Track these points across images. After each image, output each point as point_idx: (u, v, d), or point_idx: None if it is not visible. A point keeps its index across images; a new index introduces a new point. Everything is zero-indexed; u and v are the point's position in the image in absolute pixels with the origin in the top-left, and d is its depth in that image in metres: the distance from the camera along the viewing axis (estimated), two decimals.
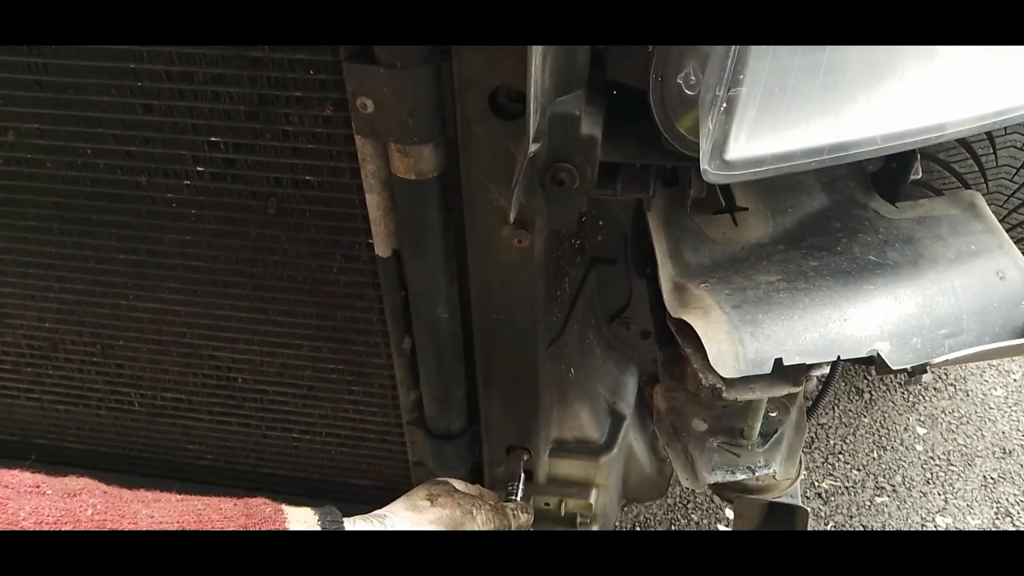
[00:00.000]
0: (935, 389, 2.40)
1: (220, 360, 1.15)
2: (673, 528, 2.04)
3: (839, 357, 0.85)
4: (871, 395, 2.39)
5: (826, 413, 2.32)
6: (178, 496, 0.79)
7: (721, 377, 0.85)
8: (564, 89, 0.74)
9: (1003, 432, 2.27)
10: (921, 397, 2.38)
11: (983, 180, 1.38)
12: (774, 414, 1.08)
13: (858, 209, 1.02)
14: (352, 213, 0.92)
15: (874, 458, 2.21)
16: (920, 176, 1.00)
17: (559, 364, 1.18)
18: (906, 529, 2.04)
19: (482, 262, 0.89)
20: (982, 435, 2.27)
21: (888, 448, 2.24)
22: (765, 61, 0.69)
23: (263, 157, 0.89)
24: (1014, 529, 2.04)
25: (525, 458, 1.15)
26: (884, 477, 2.16)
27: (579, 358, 1.21)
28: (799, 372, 0.87)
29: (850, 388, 2.40)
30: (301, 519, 0.83)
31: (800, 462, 1.12)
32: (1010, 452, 2.22)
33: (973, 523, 2.05)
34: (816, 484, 2.14)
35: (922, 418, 2.32)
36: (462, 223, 0.86)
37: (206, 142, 0.89)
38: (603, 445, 1.26)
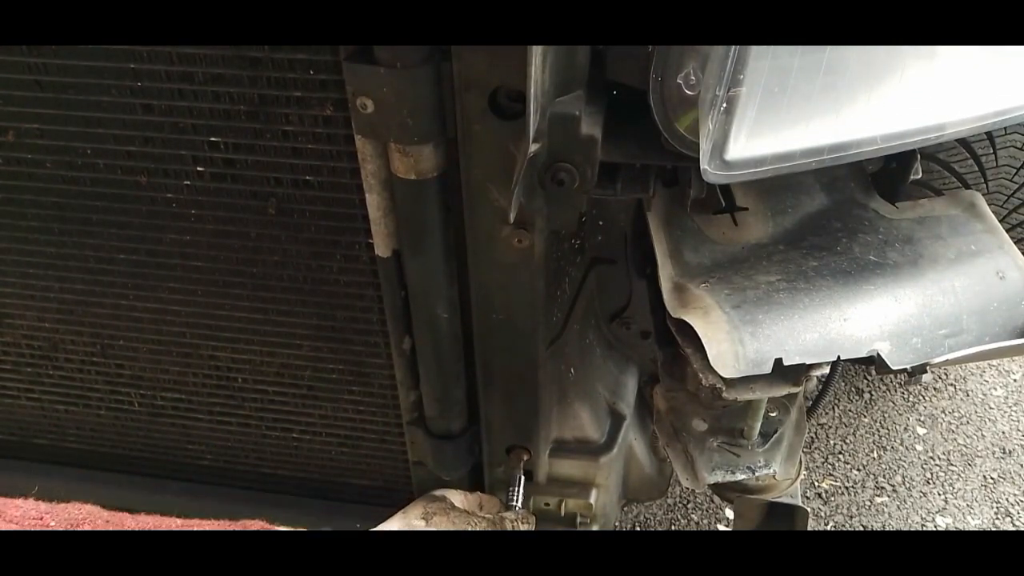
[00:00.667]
0: (935, 389, 2.40)
1: (220, 360, 1.15)
2: (673, 528, 2.04)
3: (839, 357, 0.85)
4: (871, 395, 2.38)
5: (826, 413, 2.32)
6: (179, 521, 0.79)
7: (721, 377, 0.85)
8: (564, 89, 0.74)
9: (1003, 432, 2.27)
10: (921, 397, 2.38)
11: (983, 180, 1.38)
12: (774, 414, 1.08)
13: (858, 209, 1.02)
14: (352, 213, 0.92)
15: (874, 458, 2.21)
16: (920, 176, 1.00)
17: (559, 364, 1.18)
18: (906, 529, 2.04)
19: (482, 262, 0.89)
20: (982, 435, 2.27)
21: (888, 448, 2.23)
22: (765, 61, 0.69)
23: (263, 157, 0.89)
24: (1014, 529, 2.04)
25: (525, 458, 1.14)
26: (884, 477, 2.16)
27: (579, 358, 1.21)
28: (799, 372, 0.88)
29: (850, 388, 2.40)
30: None
31: (800, 462, 1.12)
32: (1010, 452, 2.22)
33: (973, 523, 2.05)
34: (816, 484, 2.14)
35: (922, 418, 2.32)
36: (462, 223, 0.86)
37: (206, 142, 0.89)
38: (603, 445, 1.26)
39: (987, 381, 2.42)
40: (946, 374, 2.44)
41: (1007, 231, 1.00)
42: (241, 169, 0.91)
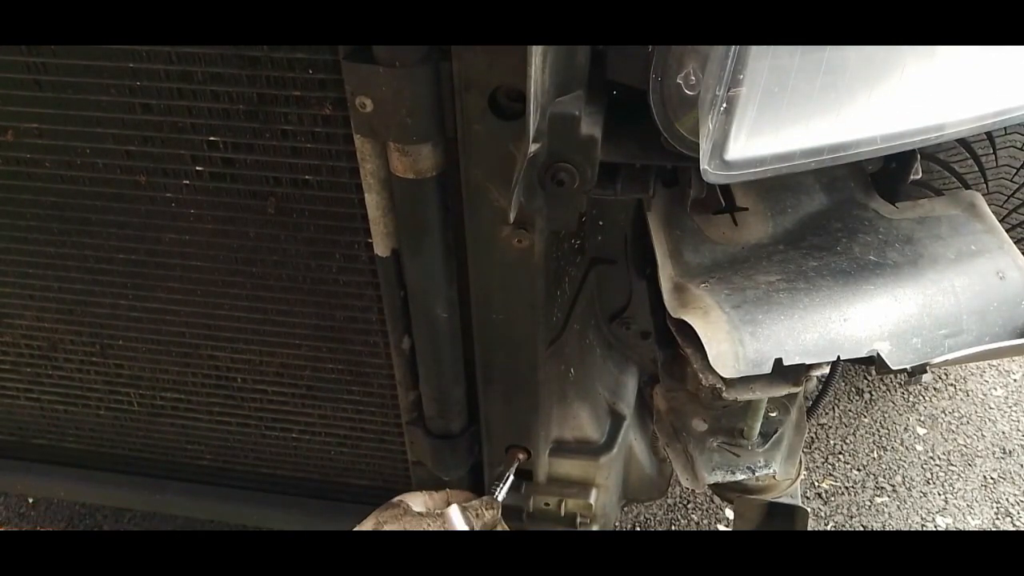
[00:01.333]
0: (935, 389, 2.40)
1: (219, 360, 1.15)
2: (673, 528, 2.04)
3: (839, 357, 0.85)
4: (871, 395, 2.38)
5: (826, 413, 2.32)
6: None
7: (721, 377, 0.85)
8: (564, 89, 0.74)
9: (1003, 432, 2.27)
10: (921, 397, 2.38)
11: (983, 180, 1.38)
12: (774, 414, 1.08)
13: (858, 209, 1.02)
14: (351, 213, 0.92)
15: (874, 458, 2.21)
16: (920, 176, 0.99)
17: (559, 364, 1.18)
18: (906, 529, 2.04)
19: (482, 262, 0.89)
20: (982, 435, 2.27)
21: (888, 448, 2.23)
22: (765, 61, 0.69)
23: (262, 156, 0.89)
24: (1014, 529, 2.04)
25: (521, 457, 1.14)
26: (884, 477, 2.16)
27: (579, 358, 1.20)
28: (799, 372, 0.87)
29: (850, 388, 2.40)
30: None
31: (800, 462, 1.12)
32: (1010, 452, 2.22)
33: (973, 523, 2.05)
34: (816, 484, 2.14)
35: (922, 418, 2.32)
36: (462, 223, 0.86)
37: (205, 141, 0.89)
38: (603, 445, 1.26)
39: (987, 381, 2.42)
40: (946, 374, 2.44)
41: (1007, 231, 1.00)
42: (240, 169, 0.91)
